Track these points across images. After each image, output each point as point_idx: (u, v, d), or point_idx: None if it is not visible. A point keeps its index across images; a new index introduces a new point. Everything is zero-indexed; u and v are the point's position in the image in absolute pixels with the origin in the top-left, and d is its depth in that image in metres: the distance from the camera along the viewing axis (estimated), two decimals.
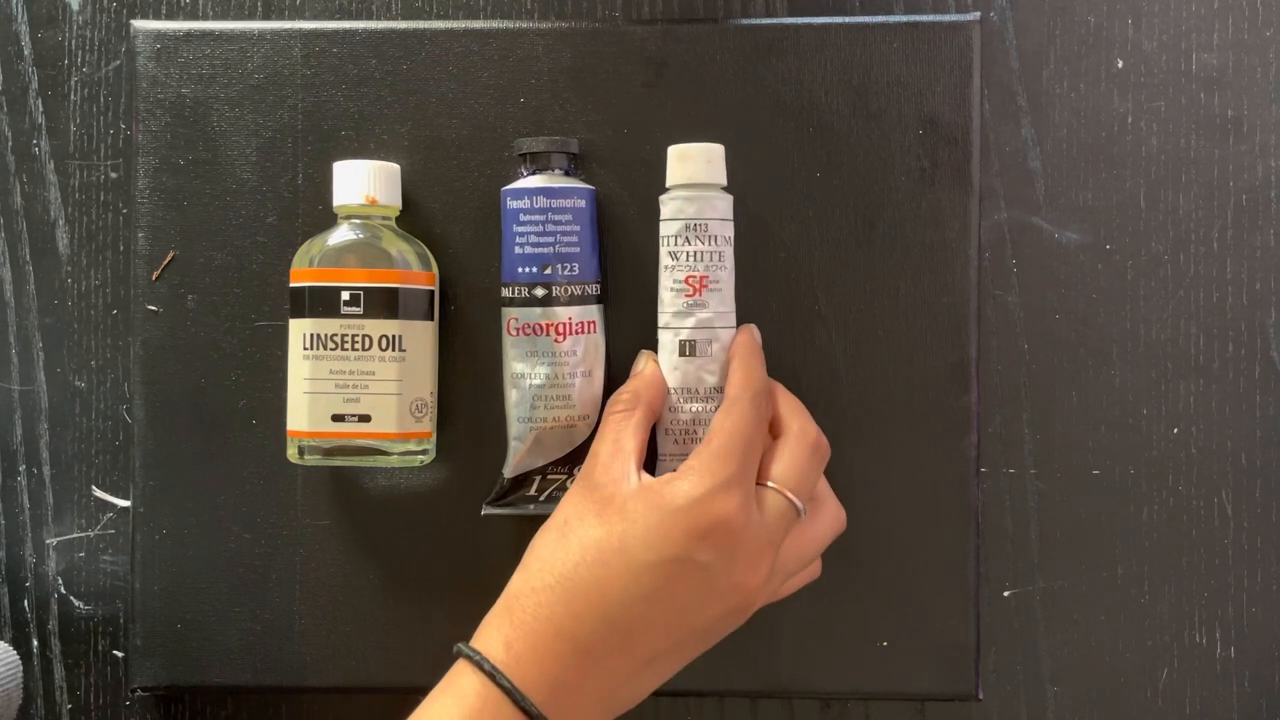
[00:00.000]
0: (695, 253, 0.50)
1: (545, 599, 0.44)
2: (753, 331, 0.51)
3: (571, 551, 0.45)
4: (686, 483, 0.44)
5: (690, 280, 0.50)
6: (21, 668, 0.55)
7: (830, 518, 0.49)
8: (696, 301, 0.50)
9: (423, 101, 0.54)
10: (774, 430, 0.49)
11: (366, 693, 0.54)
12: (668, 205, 0.50)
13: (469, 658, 0.44)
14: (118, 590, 0.56)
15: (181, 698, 0.56)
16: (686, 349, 0.50)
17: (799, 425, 0.48)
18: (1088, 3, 0.56)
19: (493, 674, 0.43)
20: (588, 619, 0.43)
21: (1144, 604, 0.55)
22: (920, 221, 0.53)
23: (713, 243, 0.50)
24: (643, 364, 0.51)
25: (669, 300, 0.50)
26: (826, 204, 0.53)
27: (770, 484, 0.46)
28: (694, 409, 0.50)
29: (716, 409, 0.50)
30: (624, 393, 0.50)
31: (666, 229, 0.50)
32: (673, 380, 0.50)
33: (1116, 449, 0.55)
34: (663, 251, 0.51)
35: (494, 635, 0.44)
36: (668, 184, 0.51)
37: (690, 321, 0.50)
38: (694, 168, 0.50)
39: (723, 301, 0.50)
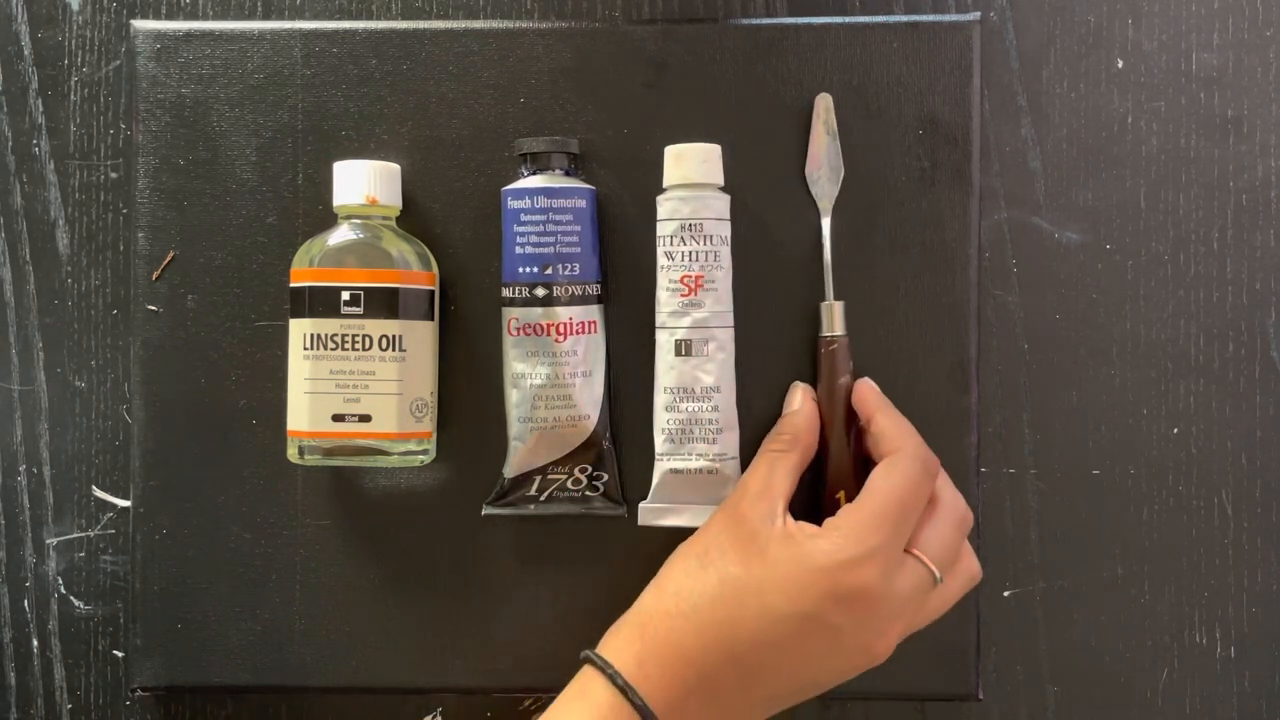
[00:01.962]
0: (690, 252, 0.50)
1: (678, 624, 0.45)
2: (873, 383, 0.51)
3: (709, 584, 0.45)
4: (831, 543, 0.44)
5: (686, 280, 0.50)
6: None
7: (964, 577, 0.48)
8: (692, 301, 0.50)
9: (423, 101, 0.54)
10: None
11: (366, 693, 0.54)
12: (664, 205, 0.50)
13: (601, 669, 0.45)
14: (118, 590, 0.56)
15: (181, 698, 0.56)
16: (682, 349, 0.50)
17: (950, 496, 0.48)
18: (1088, 3, 0.56)
19: (625, 689, 0.44)
20: (715, 653, 0.44)
21: (1144, 604, 0.55)
22: (920, 221, 0.53)
23: (708, 242, 0.50)
24: (798, 401, 0.51)
25: (665, 300, 0.50)
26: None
27: (916, 552, 0.46)
28: (690, 409, 0.50)
29: (712, 409, 0.50)
30: (783, 431, 0.50)
31: (662, 229, 0.50)
32: (669, 380, 0.50)
33: (1116, 449, 0.55)
34: (659, 251, 0.51)
35: (626, 649, 0.45)
36: (664, 184, 0.51)
37: (686, 321, 0.50)
38: (690, 168, 0.50)
39: (719, 301, 0.50)
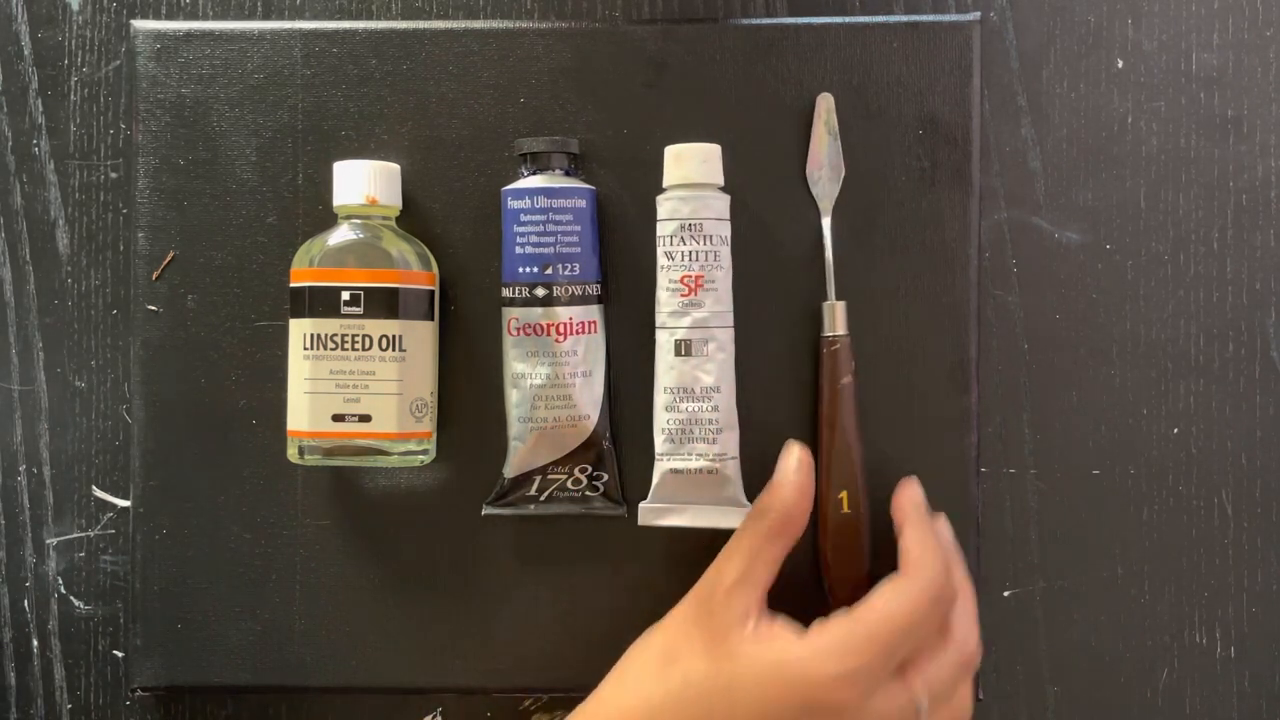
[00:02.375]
0: (690, 252, 0.50)
1: None
2: (919, 489, 0.48)
3: (672, 684, 0.43)
4: (811, 652, 0.42)
5: (686, 280, 0.50)
6: None
7: (950, 716, 0.45)
8: (692, 301, 0.50)
9: (423, 101, 0.54)
10: None
11: (366, 693, 0.54)
12: (664, 205, 0.51)
13: None
14: (118, 590, 0.56)
15: (181, 698, 0.56)
16: (682, 349, 0.50)
17: (962, 631, 0.45)
18: (1088, 3, 0.56)
19: None
20: None
21: (1144, 604, 0.55)
22: (920, 221, 0.53)
23: (708, 242, 0.50)
24: (792, 470, 0.47)
25: (665, 300, 0.50)
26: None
27: (907, 682, 0.43)
28: (689, 409, 0.50)
29: (712, 409, 0.50)
30: (774, 509, 0.46)
31: (662, 229, 0.50)
32: (669, 380, 0.50)
33: (1116, 449, 0.55)
34: (659, 251, 0.51)
35: None
36: (664, 184, 0.51)
37: (686, 321, 0.50)
38: (689, 168, 0.50)
39: (719, 301, 0.50)
